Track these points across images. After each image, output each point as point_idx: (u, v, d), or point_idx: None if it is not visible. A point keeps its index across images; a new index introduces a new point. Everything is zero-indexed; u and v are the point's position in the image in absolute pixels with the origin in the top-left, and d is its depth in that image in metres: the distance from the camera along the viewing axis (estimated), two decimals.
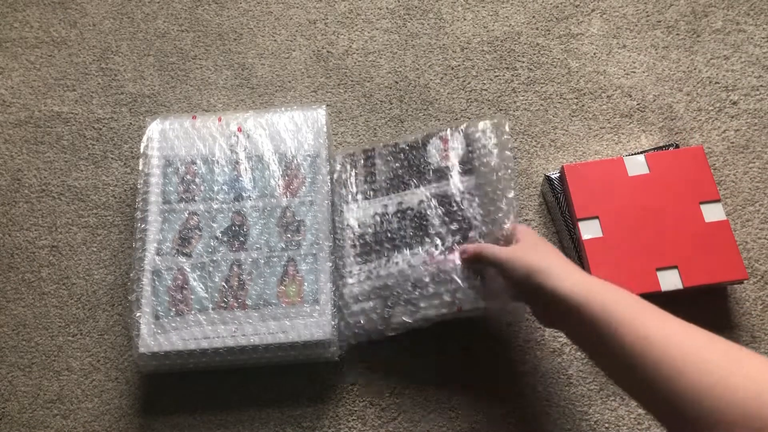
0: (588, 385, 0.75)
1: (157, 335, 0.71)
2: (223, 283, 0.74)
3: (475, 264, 0.70)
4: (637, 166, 0.78)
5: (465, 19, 0.94)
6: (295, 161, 0.79)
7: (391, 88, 0.90)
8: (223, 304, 0.73)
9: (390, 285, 0.73)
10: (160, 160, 0.79)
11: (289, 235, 0.76)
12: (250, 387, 0.76)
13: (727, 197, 0.83)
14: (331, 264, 0.75)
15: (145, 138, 0.81)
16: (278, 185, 0.78)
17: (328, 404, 0.75)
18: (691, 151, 0.79)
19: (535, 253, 0.63)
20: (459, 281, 0.70)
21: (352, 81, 0.91)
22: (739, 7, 0.93)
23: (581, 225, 0.76)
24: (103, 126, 0.89)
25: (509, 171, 0.73)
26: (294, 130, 0.81)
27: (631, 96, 0.88)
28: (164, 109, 0.90)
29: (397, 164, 0.79)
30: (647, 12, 0.93)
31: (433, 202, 0.75)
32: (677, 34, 0.92)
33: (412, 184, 0.78)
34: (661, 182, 0.77)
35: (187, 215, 0.77)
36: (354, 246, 0.77)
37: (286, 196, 0.78)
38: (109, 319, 0.80)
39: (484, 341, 0.77)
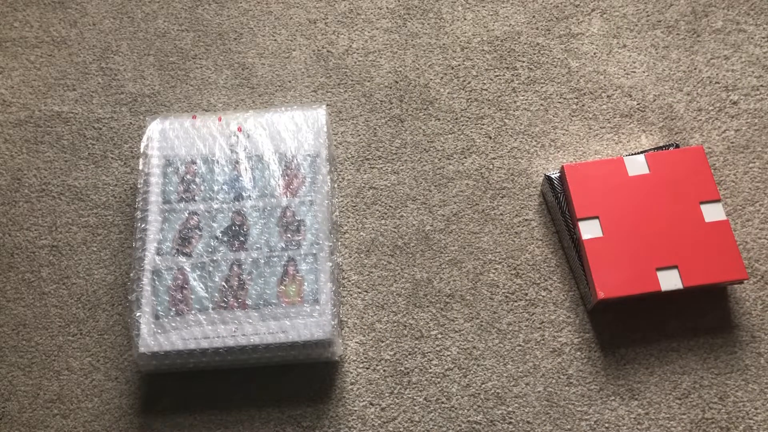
0: (588, 385, 0.75)
1: (157, 335, 0.71)
2: (223, 283, 0.74)
3: None
4: (637, 166, 0.78)
5: (465, 19, 0.94)
6: (295, 161, 0.79)
7: (391, 87, 0.90)
8: (223, 304, 0.73)
9: None
10: (160, 159, 0.79)
11: (289, 235, 0.76)
12: (250, 387, 0.76)
13: (727, 197, 0.83)
14: (331, 264, 0.75)
15: (145, 138, 0.81)
16: (278, 185, 0.78)
17: (328, 404, 0.75)
18: (691, 151, 0.79)
19: None
20: None
21: (352, 81, 0.91)
22: (739, 7, 0.93)
23: (581, 225, 0.76)
24: (103, 126, 0.89)
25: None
26: (294, 129, 0.81)
27: (631, 96, 0.88)
28: (164, 108, 0.90)
29: None
30: (647, 12, 0.93)
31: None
32: (677, 34, 0.92)
33: None
34: (661, 182, 0.77)
35: (187, 215, 0.77)
36: None
37: (286, 196, 0.78)
38: (109, 319, 0.80)
39: (484, 341, 0.77)
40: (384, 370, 0.76)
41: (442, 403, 0.75)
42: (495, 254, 0.81)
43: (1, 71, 0.93)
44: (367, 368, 0.77)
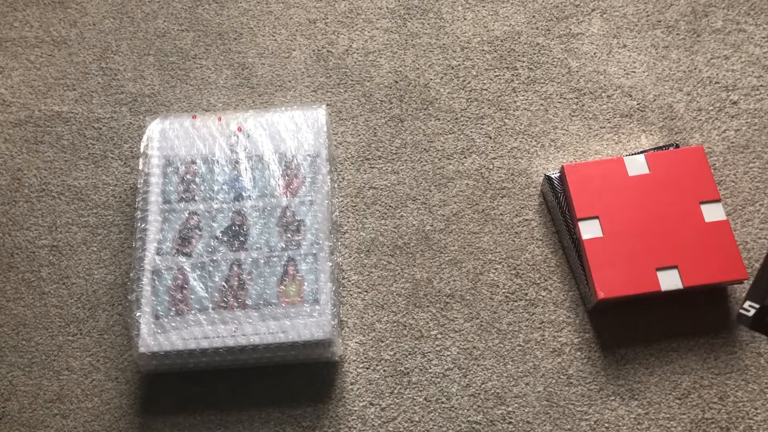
0: (588, 385, 0.75)
1: (157, 335, 0.71)
2: (223, 283, 0.74)
3: None
4: (637, 166, 0.78)
5: (465, 19, 0.94)
6: (295, 161, 0.79)
7: (391, 87, 0.90)
8: (223, 304, 0.73)
9: None
10: (160, 159, 0.79)
11: (289, 235, 0.76)
12: (250, 387, 0.76)
13: (727, 197, 0.83)
14: (331, 264, 0.75)
15: (145, 137, 0.81)
16: (278, 185, 0.78)
17: (328, 404, 0.75)
18: (691, 151, 0.79)
19: None
20: None
21: (352, 81, 0.91)
22: (739, 7, 0.93)
23: (581, 225, 0.76)
24: (103, 125, 0.89)
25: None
26: (294, 129, 0.81)
27: (631, 96, 0.88)
28: (164, 108, 0.90)
29: None
30: (647, 12, 0.93)
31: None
32: (677, 34, 0.92)
33: None
34: (661, 182, 0.77)
35: (187, 215, 0.77)
36: None
37: (286, 196, 0.78)
38: (109, 319, 0.80)
39: (484, 341, 0.77)
40: (384, 370, 0.76)
41: (442, 403, 0.75)
42: (495, 254, 0.81)
43: (1, 71, 0.93)
44: (367, 368, 0.77)
